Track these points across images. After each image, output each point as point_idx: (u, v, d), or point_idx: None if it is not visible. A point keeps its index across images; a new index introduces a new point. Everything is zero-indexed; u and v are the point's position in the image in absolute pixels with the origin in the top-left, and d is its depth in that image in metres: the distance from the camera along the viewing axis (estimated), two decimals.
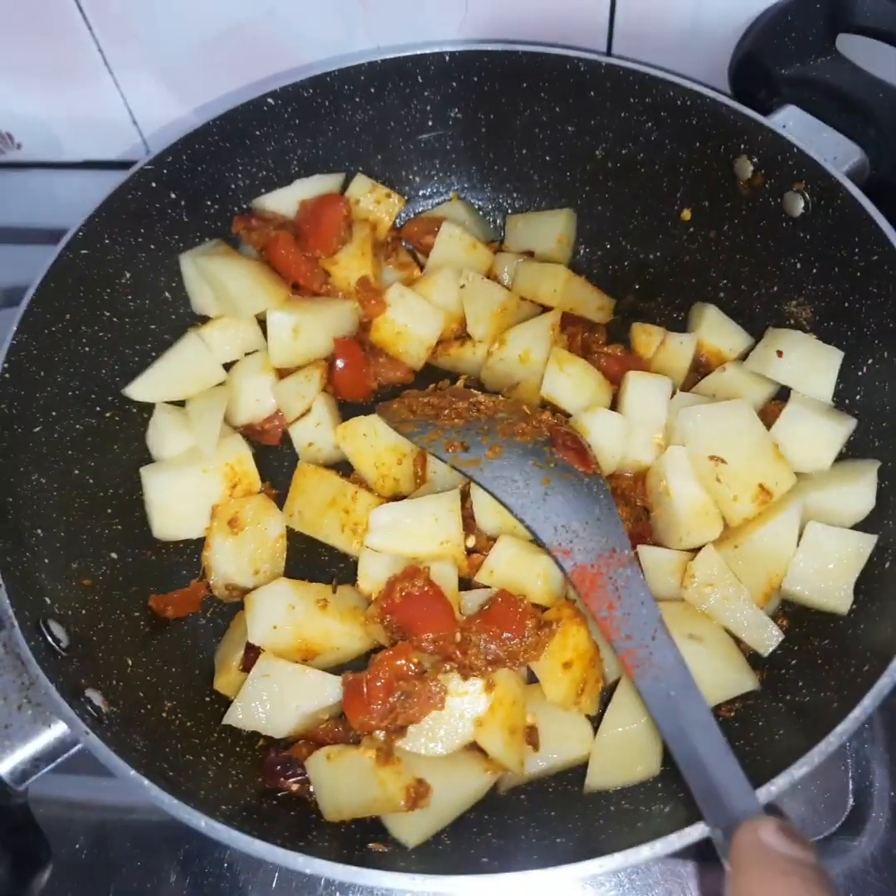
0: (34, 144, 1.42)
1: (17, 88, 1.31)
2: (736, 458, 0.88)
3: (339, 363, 1.06)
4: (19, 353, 0.88)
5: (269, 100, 1.04)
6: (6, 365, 0.86)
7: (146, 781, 0.66)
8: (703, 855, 0.88)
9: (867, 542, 0.84)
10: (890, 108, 0.97)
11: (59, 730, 0.71)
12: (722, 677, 0.82)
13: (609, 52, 1.19)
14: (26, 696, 0.72)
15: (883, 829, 0.89)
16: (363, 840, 0.76)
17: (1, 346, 0.87)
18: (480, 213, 1.18)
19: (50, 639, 0.75)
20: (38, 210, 1.41)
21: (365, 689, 0.78)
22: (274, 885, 0.87)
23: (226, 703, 0.85)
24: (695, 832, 0.64)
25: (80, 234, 0.95)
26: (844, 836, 0.89)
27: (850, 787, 0.90)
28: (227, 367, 1.06)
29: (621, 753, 0.80)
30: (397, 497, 0.96)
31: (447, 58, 1.06)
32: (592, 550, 0.80)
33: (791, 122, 0.99)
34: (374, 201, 1.11)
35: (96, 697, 0.74)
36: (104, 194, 0.98)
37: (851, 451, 0.93)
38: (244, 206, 1.10)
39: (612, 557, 0.80)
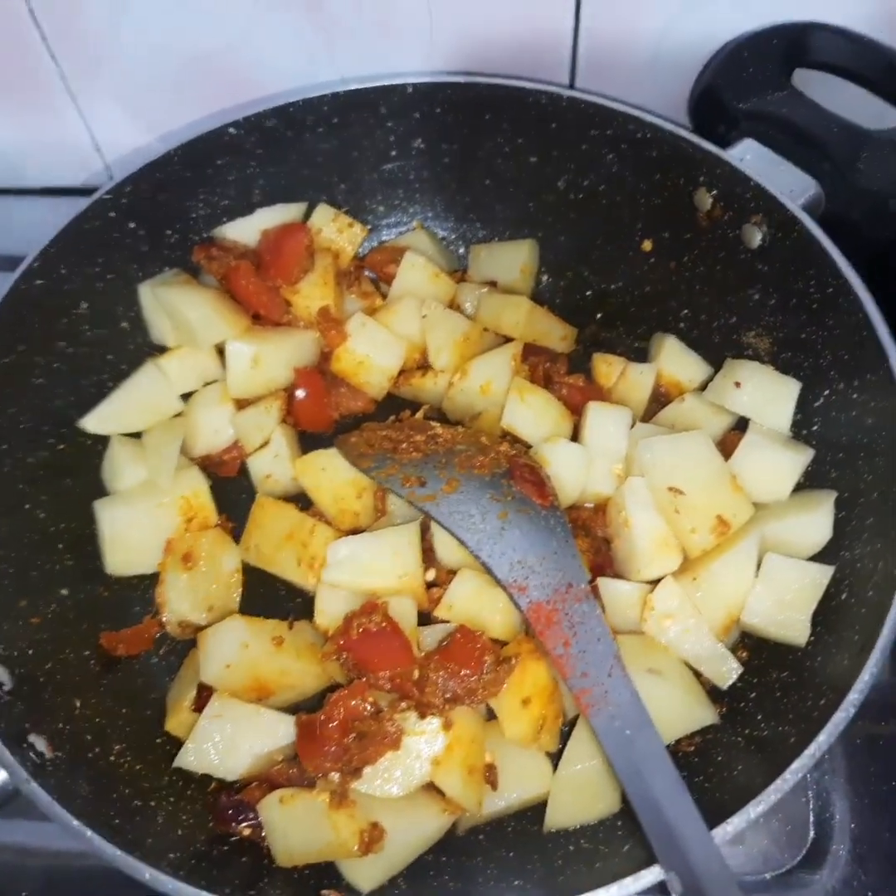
0: None
1: None
2: (694, 489, 0.88)
3: (300, 393, 1.05)
4: None
5: (231, 129, 1.04)
6: None
7: (88, 832, 0.64)
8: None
9: (824, 573, 0.84)
10: (844, 143, 0.98)
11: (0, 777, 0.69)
12: (682, 711, 0.81)
13: (572, 84, 1.20)
14: None
15: (844, 861, 0.88)
16: (316, 886, 0.74)
17: None
18: (444, 242, 1.18)
19: None
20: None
21: (319, 731, 0.77)
22: None
23: (177, 744, 0.83)
24: (650, 875, 0.63)
25: (36, 264, 0.93)
26: (806, 870, 0.88)
27: (811, 819, 0.90)
28: (186, 397, 1.05)
29: (581, 791, 0.79)
30: (357, 530, 0.95)
31: (410, 90, 1.06)
32: (548, 586, 0.79)
33: (749, 156, 1.00)
34: (336, 231, 1.11)
35: (40, 743, 0.72)
36: (61, 223, 0.97)
37: (809, 482, 0.93)
38: (205, 235, 1.09)
39: (568, 592, 0.79)
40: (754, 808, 0.65)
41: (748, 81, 1.05)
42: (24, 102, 1.29)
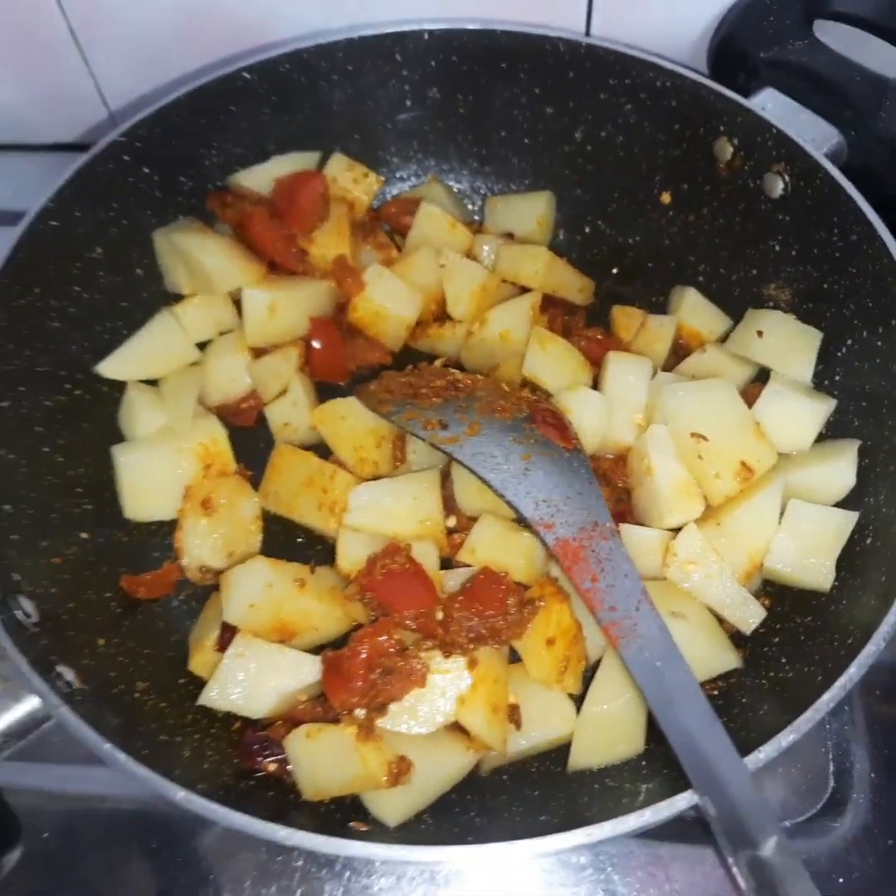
0: (2, 126, 1.39)
1: None
2: (718, 435, 0.88)
3: (316, 344, 1.04)
4: None
5: (245, 74, 1.02)
6: None
7: (121, 754, 0.64)
8: (685, 837, 0.88)
9: (848, 519, 0.84)
10: (866, 91, 0.98)
11: (29, 705, 0.69)
12: (705, 655, 0.82)
13: (588, 33, 1.19)
14: None
15: (863, 810, 0.89)
16: (343, 820, 0.74)
17: None
18: (459, 195, 1.18)
19: (20, 614, 0.73)
20: (5, 192, 1.37)
21: (345, 666, 0.77)
22: (247, 882, 0.85)
23: (200, 684, 0.83)
24: (683, 801, 0.63)
25: (51, 205, 0.92)
26: (826, 818, 0.89)
27: (831, 769, 0.91)
28: (201, 346, 1.04)
29: (604, 732, 0.80)
30: (377, 479, 0.95)
31: (426, 36, 1.05)
32: (574, 524, 0.79)
33: (770, 104, 0.99)
34: (351, 180, 1.10)
35: (68, 673, 0.72)
36: (75, 165, 0.95)
37: (831, 432, 0.93)
38: (219, 183, 1.08)
39: (594, 530, 0.79)
40: (786, 738, 0.65)
41: (769, 30, 1.04)
42: (31, 56, 1.27)
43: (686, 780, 0.65)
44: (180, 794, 0.63)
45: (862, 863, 0.87)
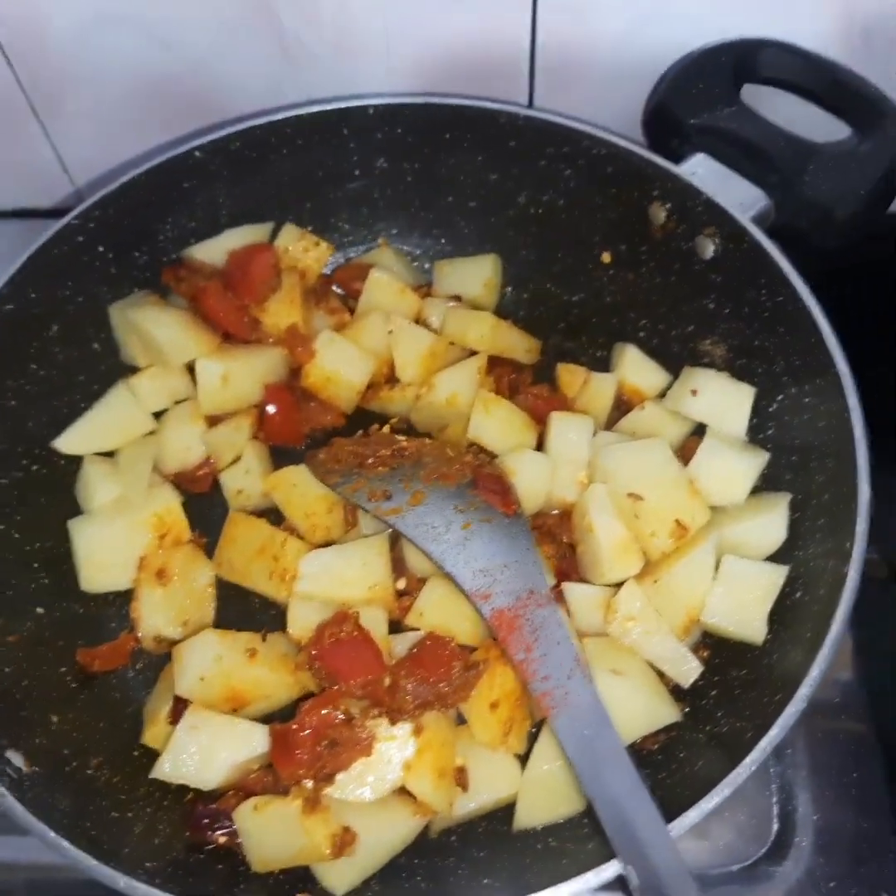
0: None
1: None
2: (653, 495, 0.91)
3: (270, 409, 1.07)
4: None
5: (197, 152, 1.06)
6: None
7: (66, 843, 0.66)
8: None
9: (780, 572, 0.87)
10: (791, 155, 1.02)
11: None
12: (646, 710, 0.84)
13: (531, 101, 1.23)
14: None
15: (807, 853, 0.91)
16: (292, 891, 0.76)
17: None
18: (409, 258, 1.21)
19: None
20: None
21: (292, 739, 0.79)
22: None
23: (154, 756, 0.85)
24: (609, 870, 0.65)
25: (5, 289, 0.95)
26: (771, 862, 0.91)
27: (775, 812, 0.93)
28: (158, 416, 1.07)
29: (548, 790, 0.82)
30: (328, 543, 0.97)
31: (371, 111, 1.09)
32: (511, 592, 0.82)
33: (700, 170, 1.03)
34: (303, 249, 1.13)
35: (16, 758, 0.73)
36: (29, 250, 0.98)
37: (765, 484, 0.96)
38: (173, 256, 1.11)
39: (530, 598, 0.81)
40: (708, 802, 0.67)
41: (699, 97, 1.08)
42: None
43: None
44: (122, 882, 0.65)
45: None
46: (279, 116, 1.08)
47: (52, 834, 0.66)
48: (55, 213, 1.42)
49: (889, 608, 1.02)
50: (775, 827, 0.92)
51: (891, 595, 1.04)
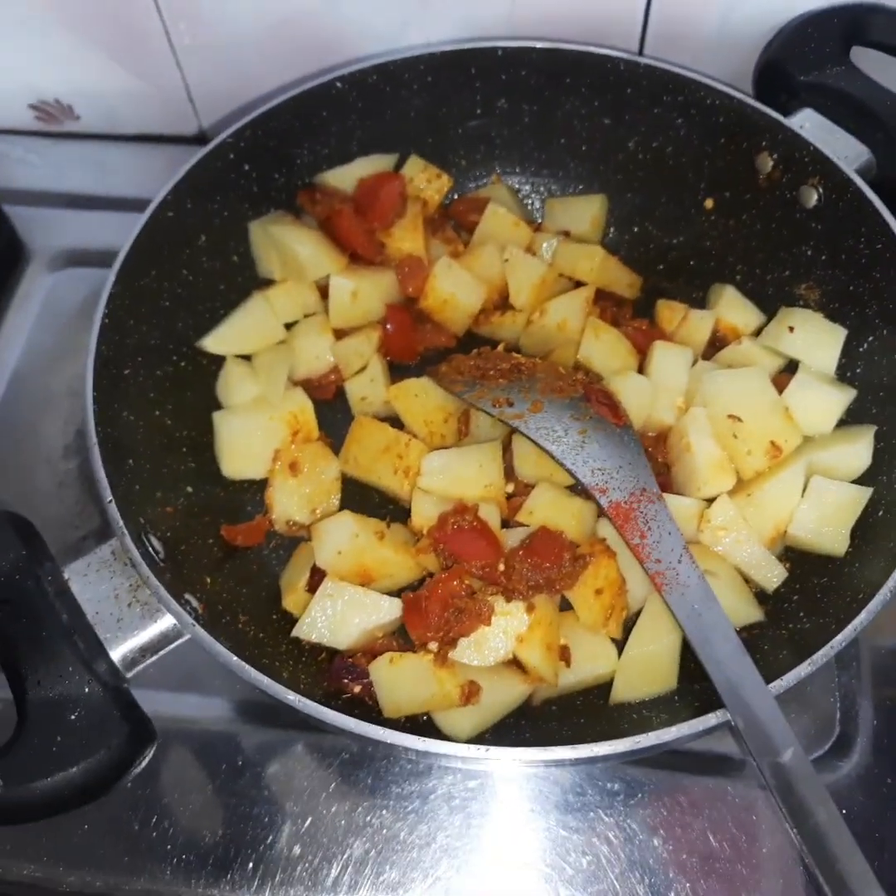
0: (92, 117, 1.51)
1: (81, 62, 1.40)
2: (751, 417, 0.99)
3: (389, 327, 1.17)
4: (115, 303, 0.98)
5: (338, 84, 1.14)
6: (106, 311, 0.96)
7: (246, 664, 0.77)
8: (707, 771, 1.00)
9: (863, 493, 0.96)
10: (894, 114, 1.08)
11: (163, 624, 0.81)
12: (732, 608, 0.92)
13: (641, 53, 1.30)
14: (135, 595, 0.82)
15: (866, 752, 1.01)
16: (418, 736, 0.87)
17: (101, 296, 0.97)
18: (521, 195, 1.29)
19: (151, 550, 0.86)
20: (95, 179, 1.50)
21: (423, 605, 0.89)
22: (323, 795, 0.98)
23: (291, 620, 0.96)
24: (715, 717, 0.75)
25: (169, 196, 1.05)
26: (833, 758, 1.01)
27: (838, 716, 1.02)
28: (288, 327, 1.17)
29: (642, 671, 0.92)
30: (444, 448, 1.07)
31: (499, 52, 1.17)
32: (625, 489, 0.91)
33: (808, 124, 1.10)
34: (425, 180, 1.22)
35: (193, 600, 0.84)
36: (188, 163, 1.08)
37: (851, 418, 1.04)
38: (307, 180, 1.20)
39: (642, 495, 0.91)
40: (804, 669, 0.77)
41: (809, 56, 1.15)
42: (127, 53, 1.39)
43: (718, 704, 0.77)
44: (292, 697, 0.76)
45: (865, 798, 0.98)
46: (414, 53, 1.16)
47: (235, 658, 0.77)
48: (176, 139, 1.53)
49: None
50: (837, 729, 1.02)
51: None
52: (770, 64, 1.17)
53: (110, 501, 0.85)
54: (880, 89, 1.11)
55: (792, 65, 1.15)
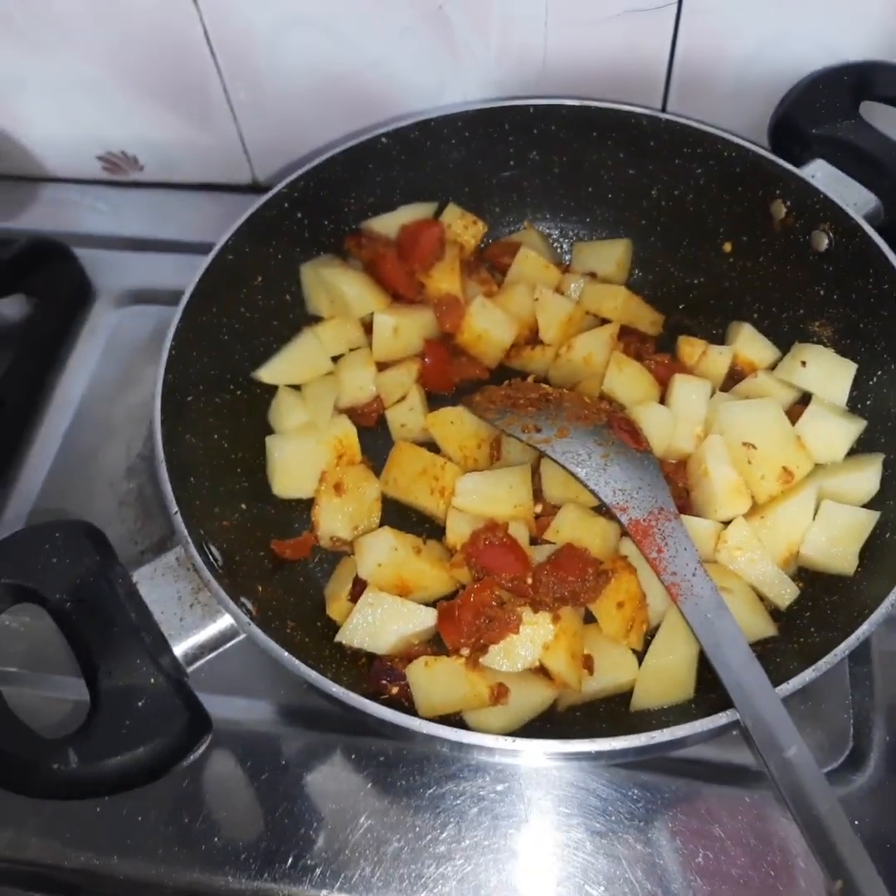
0: (155, 166, 1.64)
1: (145, 116, 1.52)
2: (765, 445, 1.06)
3: (427, 360, 1.26)
4: (180, 336, 1.08)
5: (383, 139, 1.25)
6: (173, 343, 1.06)
7: (297, 661, 0.85)
8: (726, 781, 1.05)
9: (871, 517, 1.02)
10: None
11: (221, 624, 0.90)
12: (747, 623, 0.98)
13: (664, 108, 1.40)
14: (196, 597, 0.91)
15: (879, 766, 1.05)
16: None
17: (168, 330, 1.08)
18: (550, 240, 1.39)
19: (210, 557, 0.94)
20: (156, 224, 1.63)
21: (457, 614, 0.97)
22: (360, 793, 1.05)
23: (334, 627, 1.03)
24: (725, 717, 0.81)
25: (231, 241, 1.15)
26: (846, 771, 1.05)
27: (851, 732, 1.07)
28: (334, 360, 1.26)
29: (662, 679, 0.98)
30: (478, 471, 1.15)
31: (531, 110, 1.27)
32: (644, 508, 0.99)
33: (819, 173, 1.18)
34: (462, 227, 1.32)
35: (248, 603, 0.93)
36: (248, 211, 1.18)
37: (861, 447, 1.11)
38: (354, 227, 1.31)
39: (660, 514, 0.98)
40: (810, 674, 0.82)
41: (820, 111, 1.23)
42: (188, 108, 1.51)
43: (731, 705, 0.83)
44: (336, 689, 0.84)
45: (877, 810, 1.03)
46: (452, 111, 1.27)
47: (287, 654, 0.85)
48: (232, 188, 1.65)
49: None
50: (851, 744, 1.06)
51: None
52: (784, 118, 1.26)
53: (176, 513, 0.94)
54: (887, 141, 1.19)
55: (804, 119, 1.23)
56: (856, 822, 1.03)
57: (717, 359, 1.21)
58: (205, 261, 1.13)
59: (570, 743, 0.81)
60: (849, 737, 1.07)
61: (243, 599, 0.93)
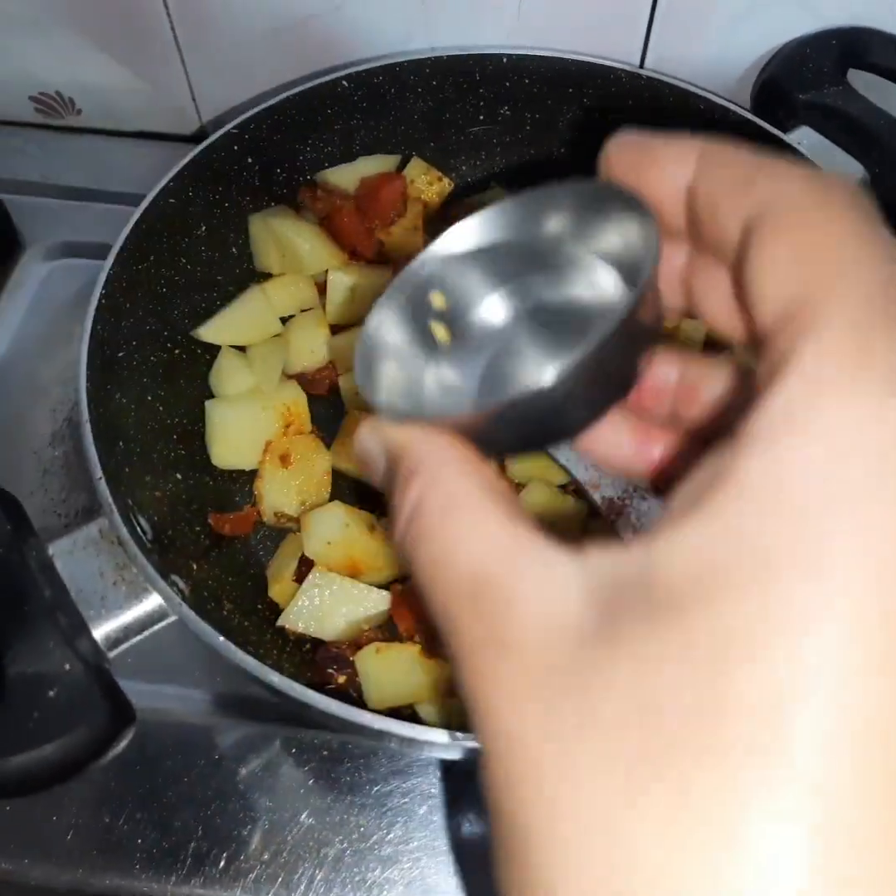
0: (94, 111, 1.52)
1: (85, 57, 1.40)
2: None
3: None
4: (112, 285, 0.97)
5: (344, 82, 1.15)
6: (103, 292, 0.96)
7: (233, 646, 0.76)
8: None
9: None
10: (888, 134, 1.11)
11: (148, 605, 0.80)
12: None
13: (641, 67, 1.32)
14: (121, 575, 0.81)
15: None
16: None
17: (99, 276, 0.97)
18: None
19: (139, 530, 0.85)
20: (94, 173, 1.50)
21: (412, 597, 0.88)
22: (301, 790, 0.97)
23: (277, 610, 0.95)
24: None
25: (171, 184, 1.05)
26: None
27: None
28: (284, 321, 1.17)
29: None
30: None
31: (504, 60, 1.18)
32: (618, 486, 0.91)
33: (805, 141, 1.12)
34: (427, 182, 1.23)
35: (180, 582, 0.83)
36: (192, 152, 1.08)
37: None
38: (308, 177, 1.21)
39: (635, 492, 0.91)
40: None
41: (808, 76, 1.18)
42: (132, 50, 1.40)
43: None
44: (275, 678, 0.75)
45: None
46: (422, 56, 1.18)
47: (222, 638, 0.76)
48: (177, 138, 1.54)
49: None
50: None
51: None
52: (769, 82, 1.20)
53: (100, 479, 0.84)
54: (875, 110, 1.13)
55: (790, 83, 1.17)
56: None
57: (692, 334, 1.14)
58: (142, 203, 1.02)
59: None
60: None
61: (174, 578, 0.83)
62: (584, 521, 0.99)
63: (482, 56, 1.18)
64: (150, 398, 1.04)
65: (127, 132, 1.55)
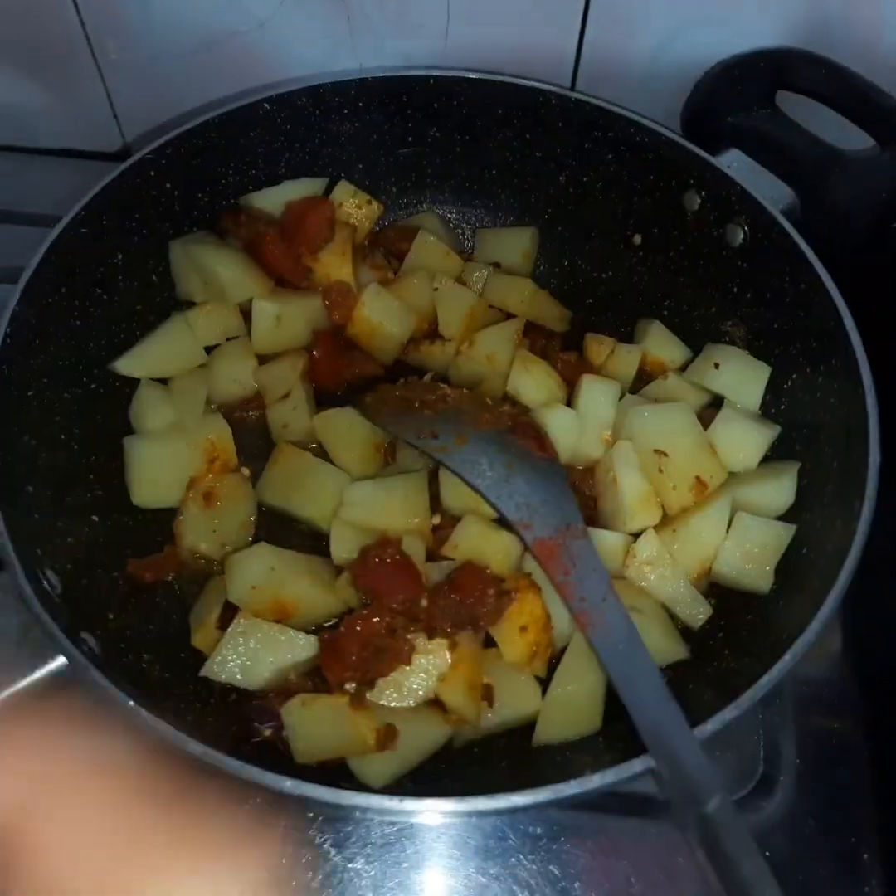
0: (8, 129, 1.45)
1: None
2: (677, 452, 0.99)
3: (315, 353, 1.13)
4: (19, 321, 0.93)
5: (265, 104, 1.12)
6: (8, 330, 0.91)
7: (144, 710, 0.71)
8: (633, 812, 0.97)
9: (787, 530, 0.96)
10: (818, 159, 1.10)
11: (54, 665, 0.76)
12: (657, 646, 0.91)
13: (572, 90, 1.31)
14: (24, 635, 0.76)
15: (789, 792, 1.00)
16: (331, 784, 0.82)
17: (3, 314, 0.92)
18: (451, 225, 1.28)
19: (46, 585, 0.80)
20: (10, 193, 1.44)
21: (341, 644, 0.85)
22: (240, 835, 0.93)
23: (201, 658, 0.90)
24: (639, 764, 0.72)
25: (82, 213, 1.00)
26: (756, 798, 0.99)
27: (762, 755, 1.01)
28: (208, 350, 1.12)
29: (567, 710, 0.89)
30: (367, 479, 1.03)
31: (432, 81, 1.16)
32: (550, 525, 0.89)
33: (735, 164, 1.12)
34: (355, 206, 1.20)
35: (90, 640, 0.79)
36: (106, 179, 1.03)
37: (776, 454, 1.05)
38: (232, 202, 1.17)
39: (567, 531, 0.89)
40: (730, 714, 0.75)
41: (736, 98, 1.17)
42: (49, 66, 1.34)
43: (642, 748, 0.74)
44: (192, 746, 0.71)
45: (787, 839, 0.97)
46: (346, 78, 1.15)
47: (132, 702, 0.72)
48: (100, 156, 1.48)
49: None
50: (761, 768, 1.01)
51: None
52: (698, 104, 1.19)
53: (1, 532, 0.79)
54: (804, 133, 1.13)
55: (719, 105, 1.17)
56: (766, 853, 0.96)
57: (626, 358, 1.13)
58: (51, 234, 0.97)
59: (467, 801, 0.70)
60: (759, 760, 1.02)
61: (84, 634, 0.79)
62: (519, 555, 0.96)
63: (409, 77, 1.16)
64: (63, 437, 0.98)
65: (45, 150, 1.49)
